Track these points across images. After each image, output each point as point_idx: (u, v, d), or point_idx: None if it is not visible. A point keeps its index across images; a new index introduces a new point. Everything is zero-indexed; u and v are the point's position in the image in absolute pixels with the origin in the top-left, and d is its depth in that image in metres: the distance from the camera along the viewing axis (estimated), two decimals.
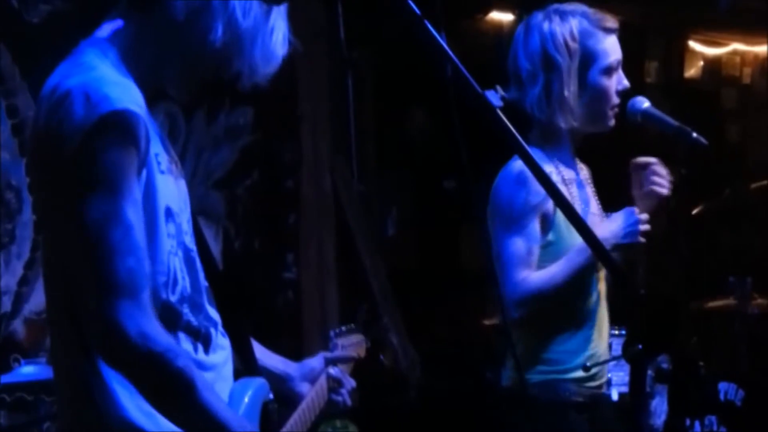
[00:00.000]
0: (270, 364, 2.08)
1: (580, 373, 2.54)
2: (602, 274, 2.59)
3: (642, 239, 2.53)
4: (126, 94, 1.66)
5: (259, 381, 1.93)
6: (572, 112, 2.57)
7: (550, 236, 2.55)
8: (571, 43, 2.56)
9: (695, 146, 2.52)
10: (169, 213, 1.73)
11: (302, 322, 4.42)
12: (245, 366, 1.95)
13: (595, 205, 2.69)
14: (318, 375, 2.16)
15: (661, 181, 2.56)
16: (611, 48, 2.60)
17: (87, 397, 1.68)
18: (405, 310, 4.47)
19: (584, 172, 2.73)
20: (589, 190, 2.70)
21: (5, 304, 3.56)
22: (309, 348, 4.29)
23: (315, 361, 2.18)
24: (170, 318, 1.71)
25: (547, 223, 2.54)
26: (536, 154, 1.64)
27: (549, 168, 2.54)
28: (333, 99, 4.41)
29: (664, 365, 3.21)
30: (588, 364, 2.53)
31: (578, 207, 2.57)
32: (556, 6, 2.61)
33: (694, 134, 2.53)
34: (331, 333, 2.28)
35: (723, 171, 5.23)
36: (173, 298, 1.73)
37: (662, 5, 5.55)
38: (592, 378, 2.58)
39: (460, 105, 1.59)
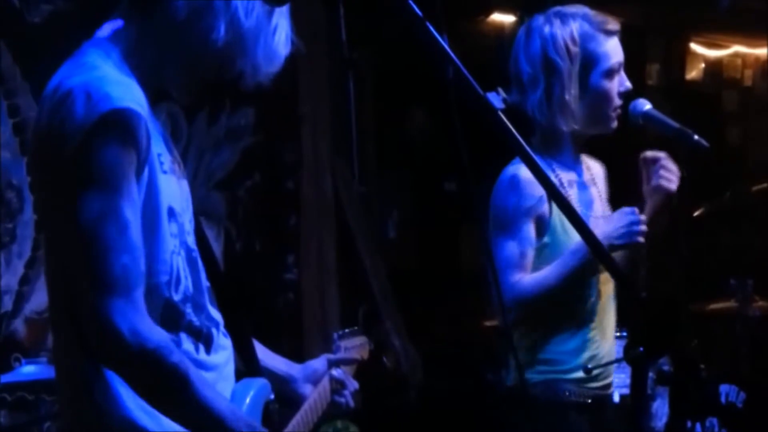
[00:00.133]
0: (273, 366, 2.09)
1: (580, 374, 2.54)
2: (607, 275, 2.58)
3: (640, 239, 2.52)
4: (128, 93, 1.66)
5: (261, 381, 1.93)
6: (573, 115, 2.57)
7: (546, 239, 2.56)
8: (571, 47, 2.56)
9: (696, 148, 2.52)
10: (171, 213, 1.73)
11: (303, 323, 4.42)
12: (247, 366, 1.96)
13: (599, 207, 2.68)
14: (321, 377, 2.16)
15: (670, 176, 2.55)
16: (612, 50, 2.60)
17: (88, 395, 1.69)
18: (405, 310, 4.48)
19: (592, 172, 2.72)
20: (595, 190, 2.69)
21: (6, 303, 3.56)
22: (309, 349, 4.29)
23: (318, 363, 2.19)
24: (173, 317, 1.72)
25: (542, 226, 2.55)
26: (536, 159, 1.63)
27: (547, 172, 2.53)
28: (333, 100, 4.41)
29: (665, 367, 3.21)
30: (590, 365, 2.53)
31: (578, 210, 2.57)
32: (557, 9, 2.61)
33: (695, 136, 2.53)
34: (335, 335, 2.28)
35: (724, 173, 5.23)
36: (176, 298, 1.73)
37: (663, 7, 5.55)
38: (594, 379, 2.58)
39: (461, 106, 1.59)
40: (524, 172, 2.52)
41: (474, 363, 4.60)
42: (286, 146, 4.40)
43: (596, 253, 1.66)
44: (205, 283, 1.82)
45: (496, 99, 1.54)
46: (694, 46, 6.34)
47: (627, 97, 2.63)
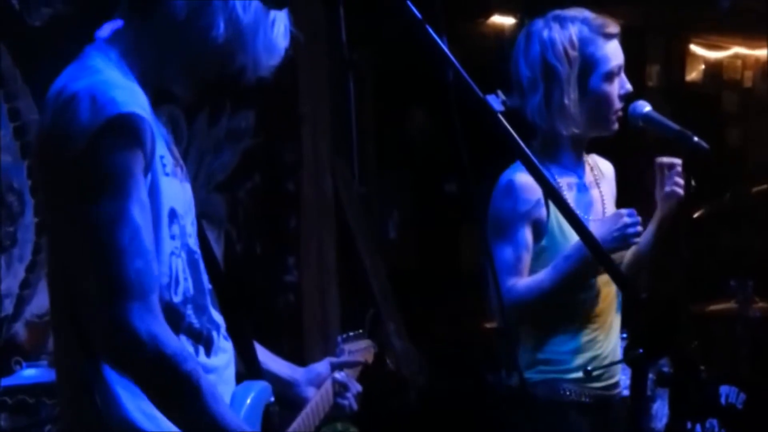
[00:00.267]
0: (276, 369, 2.09)
1: (581, 374, 2.54)
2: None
3: (635, 240, 2.53)
4: (132, 97, 1.67)
5: (262, 384, 1.93)
6: (573, 119, 2.57)
7: (544, 242, 2.56)
8: (570, 51, 2.56)
9: (696, 150, 2.53)
10: (173, 215, 1.74)
11: (303, 324, 4.41)
12: (248, 369, 1.96)
13: (599, 209, 2.68)
14: (324, 380, 2.17)
15: (682, 182, 2.57)
16: (612, 53, 2.60)
17: (88, 398, 1.69)
18: (405, 310, 4.48)
19: (596, 172, 2.72)
20: (596, 192, 2.69)
21: (7, 306, 3.56)
22: (310, 350, 4.29)
23: (321, 366, 2.19)
24: (172, 319, 1.72)
25: (540, 230, 2.56)
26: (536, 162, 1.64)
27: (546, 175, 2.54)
28: (333, 100, 4.41)
29: (665, 368, 3.21)
30: (592, 365, 2.54)
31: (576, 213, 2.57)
32: (556, 13, 2.61)
33: (695, 138, 2.53)
34: (339, 338, 2.29)
35: (724, 174, 5.22)
36: (176, 300, 1.73)
37: (663, 8, 5.55)
38: (596, 379, 2.58)
39: (462, 107, 1.59)
40: (520, 177, 2.53)
41: (474, 363, 4.60)
42: (286, 147, 4.40)
43: (596, 255, 1.66)
44: (207, 285, 1.83)
45: (496, 101, 1.54)
46: (694, 48, 6.34)
47: (627, 99, 2.63)
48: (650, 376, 3.20)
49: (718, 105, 6.53)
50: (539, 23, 2.61)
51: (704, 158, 2.53)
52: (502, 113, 1.56)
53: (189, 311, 1.76)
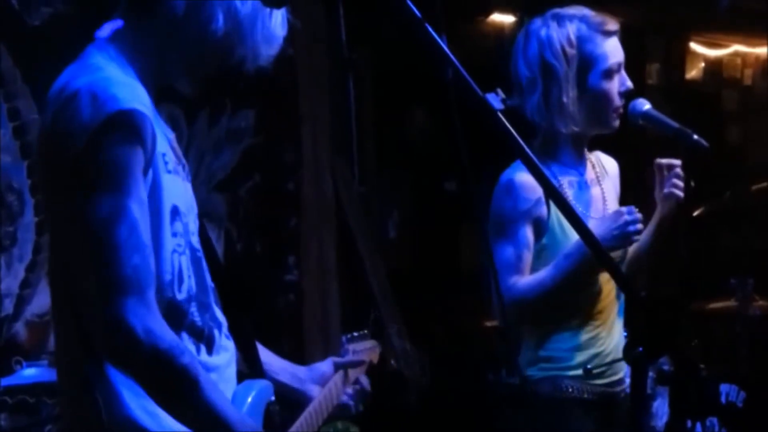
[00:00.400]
0: (279, 368, 2.10)
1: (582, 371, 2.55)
2: None
3: (635, 238, 2.53)
4: (133, 94, 1.67)
5: (263, 383, 1.94)
6: (572, 117, 2.58)
7: (545, 240, 2.57)
8: (568, 49, 2.57)
9: (696, 148, 2.53)
10: (176, 212, 1.74)
11: (303, 324, 4.41)
12: (250, 368, 1.96)
13: (599, 207, 2.68)
14: (328, 379, 2.18)
15: (681, 184, 2.56)
16: (611, 51, 2.60)
17: (90, 396, 1.69)
18: (405, 310, 4.48)
19: (598, 169, 2.72)
20: (597, 190, 2.69)
21: (7, 306, 3.56)
22: (310, 350, 4.29)
23: (325, 366, 2.20)
24: (175, 317, 1.72)
25: (540, 228, 2.56)
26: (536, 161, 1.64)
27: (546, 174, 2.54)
28: (333, 100, 4.41)
29: (665, 367, 3.21)
30: (594, 362, 2.55)
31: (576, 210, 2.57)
32: (555, 11, 2.62)
33: (695, 136, 2.53)
34: (343, 338, 2.29)
35: (724, 173, 5.23)
36: (179, 297, 1.74)
37: (663, 7, 5.55)
38: (599, 376, 2.59)
39: (462, 106, 1.59)
40: (520, 176, 2.53)
41: (474, 363, 4.60)
42: (286, 147, 4.40)
43: (595, 253, 1.66)
44: (210, 283, 1.84)
45: (496, 100, 1.54)
46: (694, 46, 6.34)
47: (627, 96, 2.63)
48: (650, 374, 3.20)
49: (717, 103, 6.53)
50: (538, 22, 2.62)
51: (704, 156, 2.53)
52: (502, 112, 1.56)
53: (193, 309, 1.76)
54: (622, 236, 2.51)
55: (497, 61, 2.75)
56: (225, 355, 1.84)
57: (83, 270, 1.65)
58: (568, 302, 2.57)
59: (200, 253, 1.82)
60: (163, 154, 1.73)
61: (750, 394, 3.88)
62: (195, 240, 1.81)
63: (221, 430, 1.67)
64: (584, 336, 2.59)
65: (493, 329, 4.41)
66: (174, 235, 1.73)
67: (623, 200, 2.69)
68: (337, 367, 2.22)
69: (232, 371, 1.87)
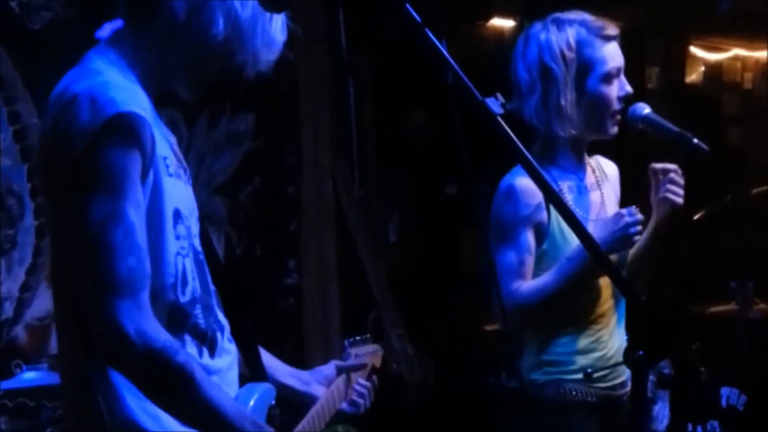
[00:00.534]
0: (283, 371, 2.11)
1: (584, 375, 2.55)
2: None
3: (637, 238, 2.53)
4: (132, 98, 1.68)
5: (265, 386, 1.94)
6: (570, 120, 2.58)
7: (545, 245, 2.57)
8: (567, 53, 2.57)
9: (696, 152, 2.53)
10: (178, 215, 1.75)
11: (303, 327, 4.42)
12: (252, 371, 1.97)
13: (600, 212, 2.68)
14: (331, 382, 2.19)
15: (677, 189, 2.56)
16: (610, 55, 2.61)
17: (92, 397, 1.70)
18: (405, 312, 4.47)
19: (598, 174, 2.72)
20: (596, 195, 2.70)
21: (7, 309, 3.56)
22: (310, 353, 4.29)
23: (327, 369, 2.22)
24: (178, 319, 1.73)
25: (541, 233, 2.56)
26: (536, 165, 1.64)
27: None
28: (333, 103, 4.41)
29: (666, 370, 3.21)
30: (597, 365, 2.55)
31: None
32: (555, 16, 2.62)
33: (695, 140, 2.54)
34: (345, 342, 2.30)
35: (724, 176, 5.23)
36: (183, 299, 1.74)
37: (663, 10, 5.56)
38: (602, 379, 2.59)
39: (462, 109, 1.59)
40: (520, 181, 2.53)
41: (474, 366, 4.60)
42: (286, 150, 4.40)
43: (595, 257, 1.66)
44: (212, 286, 1.84)
45: (495, 104, 1.54)
46: (694, 50, 6.35)
47: (627, 101, 2.64)
48: (651, 377, 3.21)
49: (717, 107, 6.54)
50: (538, 26, 2.62)
51: (704, 160, 2.53)
52: (502, 116, 1.56)
53: (197, 311, 1.77)
54: (624, 238, 2.51)
55: (497, 65, 2.75)
56: (227, 358, 1.84)
57: (80, 271, 1.65)
58: (570, 306, 2.58)
59: (202, 256, 1.83)
60: (165, 158, 1.74)
61: (751, 398, 3.88)
62: (197, 243, 1.81)
63: (221, 426, 1.67)
64: (586, 339, 2.59)
65: (494, 332, 4.41)
66: (177, 237, 1.74)
67: (624, 204, 2.68)
68: (340, 370, 2.23)
69: (234, 374, 1.87)
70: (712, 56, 6.42)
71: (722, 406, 3.87)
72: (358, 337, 2.34)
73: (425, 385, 4.40)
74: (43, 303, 3.56)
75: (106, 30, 1.78)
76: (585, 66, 2.58)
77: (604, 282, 2.60)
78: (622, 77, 2.63)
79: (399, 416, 4.38)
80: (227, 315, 1.88)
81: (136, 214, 1.64)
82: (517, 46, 2.65)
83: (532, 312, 2.54)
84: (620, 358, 2.58)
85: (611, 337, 2.63)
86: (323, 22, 4.26)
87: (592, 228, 2.59)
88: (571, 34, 2.58)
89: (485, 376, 4.23)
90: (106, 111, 1.63)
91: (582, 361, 2.57)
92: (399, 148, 5.33)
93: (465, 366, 4.73)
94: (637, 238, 2.53)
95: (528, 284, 2.54)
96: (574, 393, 2.58)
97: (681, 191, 2.57)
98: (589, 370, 2.53)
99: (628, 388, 2.64)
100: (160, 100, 1.80)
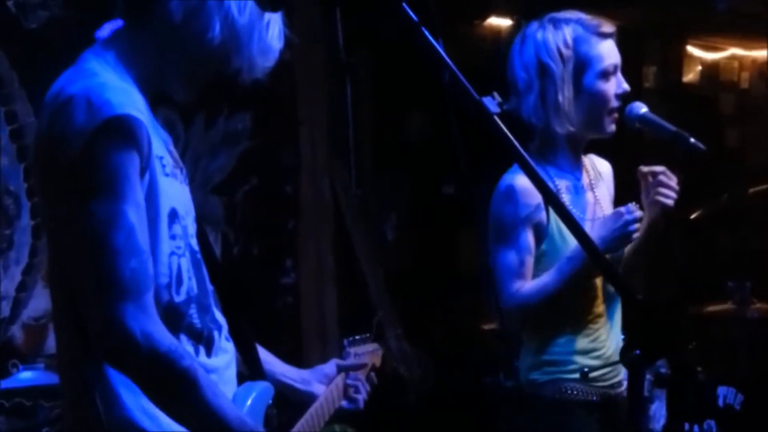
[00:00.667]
0: (285, 370, 2.12)
1: (586, 374, 2.55)
2: None
3: (635, 237, 2.54)
4: (128, 99, 1.68)
5: (263, 385, 1.95)
6: (568, 116, 2.58)
7: (544, 246, 2.57)
8: (564, 50, 2.58)
9: (692, 151, 2.53)
10: (174, 215, 1.75)
11: (301, 326, 4.42)
12: (250, 370, 1.97)
13: (591, 210, 2.69)
14: (331, 380, 2.19)
15: (667, 192, 2.56)
16: (607, 52, 2.61)
17: (89, 397, 1.70)
18: (403, 312, 4.48)
19: (593, 174, 2.73)
20: (591, 195, 2.70)
21: (4, 309, 3.56)
22: (308, 352, 4.29)
23: (328, 368, 2.23)
24: (173, 319, 1.73)
25: (540, 234, 2.57)
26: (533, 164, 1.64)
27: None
28: (331, 103, 4.41)
29: (663, 370, 3.21)
30: (596, 363, 2.55)
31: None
32: (551, 15, 2.64)
33: (692, 139, 2.54)
34: (345, 341, 2.31)
35: (721, 176, 5.23)
36: (178, 299, 1.74)
37: (660, 10, 5.56)
38: (602, 378, 2.60)
39: (459, 109, 1.59)
40: (520, 181, 2.53)
41: (472, 365, 4.60)
42: (283, 150, 4.40)
43: (593, 257, 1.66)
44: (210, 286, 1.84)
45: (492, 104, 1.54)
46: (691, 49, 6.35)
47: (624, 99, 2.64)
48: (648, 377, 3.21)
49: (715, 106, 6.54)
50: (534, 25, 2.63)
51: (700, 159, 2.53)
52: (498, 115, 1.56)
53: (192, 311, 1.77)
54: (623, 236, 2.52)
55: (494, 64, 2.75)
56: (224, 357, 1.84)
57: (81, 274, 1.65)
58: (568, 306, 2.58)
59: (199, 255, 1.83)
60: (161, 158, 1.74)
61: (748, 397, 3.88)
62: (194, 242, 1.81)
63: (221, 431, 1.67)
64: (585, 339, 2.60)
65: (491, 332, 4.41)
66: (173, 237, 1.74)
67: (621, 202, 2.68)
68: (340, 369, 2.23)
69: (231, 373, 1.87)
70: (710, 56, 6.42)
71: (719, 405, 3.87)
72: (357, 336, 2.34)
73: (424, 385, 4.40)
74: (39, 303, 3.55)
75: (106, 30, 1.79)
76: (582, 63, 2.59)
77: (600, 281, 2.61)
78: (619, 75, 2.63)
79: (398, 416, 4.38)
80: (225, 314, 1.88)
81: (136, 215, 1.65)
82: (513, 45, 2.66)
83: (532, 312, 2.54)
84: (617, 358, 2.59)
85: (608, 336, 2.63)
86: (320, 21, 4.26)
87: (589, 228, 2.60)
88: (567, 32, 2.59)
89: (483, 375, 4.24)
90: (103, 113, 1.63)
91: (581, 360, 2.58)
92: (397, 148, 5.33)
93: (463, 366, 4.73)
94: (635, 235, 2.53)
95: (529, 285, 2.54)
96: (574, 392, 2.58)
97: (671, 193, 2.56)
98: (586, 369, 2.53)
99: (623, 387, 2.65)
100: (156, 100, 1.80)
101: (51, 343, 3.50)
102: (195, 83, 1.83)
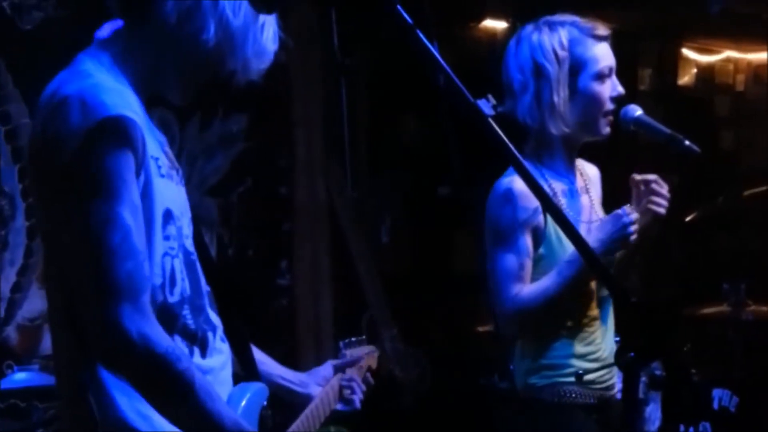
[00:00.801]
0: (282, 372, 2.13)
1: (587, 376, 2.56)
2: None
3: (634, 237, 2.54)
4: (122, 100, 1.68)
5: (258, 386, 1.95)
6: (563, 117, 2.58)
7: (542, 250, 2.57)
8: (559, 51, 2.58)
9: (688, 154, 2.53)
10: (169, 215, 1.75)
11: (296, 328, 4.42)
12: (245, 371, 1.97)
13: (587, 213, 2.69)
14: (328, 381, 2.20)
15: (659, 200, 2.56)
16: (602, 55, 2.62)
17: (84, 398, 1.70)
18: (398, 314, 4.48)
19: (585, 177, 2.73)
20: (586, 198, 2.71)
21: None
22: (303, 354, 4.29)
23: (324, 370, 2.24)
24: (167, 320, 1.73)
25: (538, 237, 2.57)
26: (528, 166, 1.64)
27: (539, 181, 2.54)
28: (326, 104, 4.41)
29: (658, 372, 3.22)
30: (594, 366, 2.56)
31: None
32: (546, 18, 2.64)
33: (687, 142, 2.54)
34: (341, 343, 2.32)
35: (716, 178, 5.24)
36: (171, 300, 1.74)
37: (655, 12, 5.57)
38: (598, 380, 2.61)
39: (454, 111, 1.59)
40: (518, 185, 2.53)
41: (468, 367, 4.60)
42: (278, 151, 4.40)
43: (588, 260, 1.66)
44: (205, 286, 1.84)
45: (486, 106, 1.54)
46: (686, 52, 6.36)
47: (619, 102, 2.64)
48: (643, 379, 3.21)
49: (710, 109, 6.55)
50: (530, 28, 2.64)
51: (696, 162, 2.53)
52: (494, 118, 1.56)
53: (185, 312, 1.77)
54: (622, 238, 2.52)
55: (490, 66, 2.75)
56: (219, 358, 1.84)
57: (77, 275, 1.65)
58: (566, 310, 2.58)
59: (194, 257, 1.83)
60: (156, 159, 1.74)
61: (743, 399, 3.88)
62: (189, 243, 1.81)
63: None
64: (582, 342, 2.60)
65: (487, 334, 4.41)
66: (167, 238, 1.74)
67: (616, 205, 2.68)
68: (336, 369, 2.24)
69: (227, 374, 1.87)
70: (705, 58, 6.43)
71: (714, 407, 3.87)
72: (353, 338, 2.35)
73: (420, 386, 4.40)
74: (34, 304, 3.55)
75: (105, 29, 1.79)
76: (577, 64, 2.59)
77: (595, 284, 2.61)
78: (614, 78, 2.64)
79: (394, 417, 4.38)
80: (220, 314, 1.88)
81: (132, 217, 1.65)
82: (509, 47, 2.66)
83: (532, 316, 2.54)
84: (612, 360, 2.60)
85: (603, 339, 2.64)
86: (316, 22, 4.26)
87: (585, 230, 2.60)
88: (563, 34, 2.60)
89: (478, 377, 4.24)
90: (97, 114, 1.63)
91: (579, 363, 2.58)
92: (392, 149, 5.33)
93: (459, 367, 4.74)
94: (633, 238, 2.53)
95: (528, 289, 2.54)
96: (573, 396, 2.59)
97: (663, 201, 2.57)
98: (580, 371, 2.53)
99: (616, 389, 2.66)
100: (151, 102, 1.80)
101: (46, 345, 3.50)
102: (190, 85, 1.83)
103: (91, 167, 1.63)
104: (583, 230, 2.59)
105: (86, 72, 1.71)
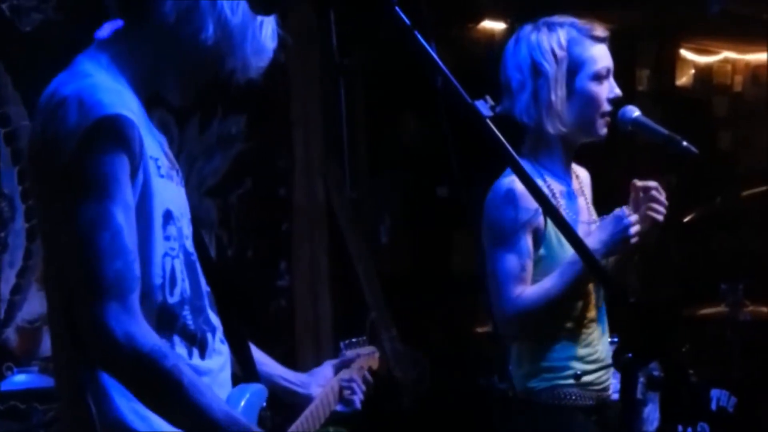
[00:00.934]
0: (283, 373, 2.13)
1: (586, 378, 2.56)
2: None
3: (635, 239, 2.54)
4: (119, 100, 1.68)
5: (257, 387, 1.95)
6: (560, 117, 2.58)
7: (542, 251, 2.57)
8: (558, 51, 2.59)
9: (685, 155, 2.54)
10: (169, 216, 1.75)
11: (295, 329, 4.42)
12: (244, 371, 1.97)
13: (585, 215, 2.70)
14: (329, 381, 2.20)
15: (658, 207, 2.57)
16: (599, 56, 2.62)
17: (83, 399, 1.70)
18: (397, 315, 4.48)
19: (579, 180, 2.74)
20: (582, 200, 2.71)
21: None
22: (302, 355, 4.29)
23: (325, 370, 2.24)
24: (167, 320, 1.73)
25: (538, 238, 2.57)
26: (526, 167, 1.65)
27: (537, 182, 2.54)
28: (325, 105, 4.42)
29: (656, 372, 3.22)
30: (592, 368, 2.56)
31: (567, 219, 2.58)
32: (545, 19, 2.64)
33: (685, 143, 2.54)
34: (342, 344, 2.31)
35: (714, 179, 5.25)
36: (171, 300, 1.75)
37: (653, 13, 5.57)
38: (596, 381, 2.61)
39: (453, 113, 1.60)
40: (520, 185, 2.52)
41: (467, 368, 4.60)
42: (277, 152, 4.40)
43: (587, 261, 1.67)
44: (205, 287, 1.85)
45: (484, 107, 1.55)
46: (684, 52, 6.36)
47: (617, 104, 2.64)
48: (641, 379, 3.21)
49: (708, 109, 6.55)
50: (528, 28, 2.64)
51: (694, 163, 2.53)
52: (491, 118, 1.56)
53: (185, 312, 1.77)
54: (624, 240, 2.52)
55: (488, 67, 2.76)
56: (218, 359, 1.84)
57: (69, 274, 1.66)
58: (566, 312, 2.59)
59: (194, 257, 1.83)
60: (156, 159, 1.74)
61: (741, 400, 3.89)
62: (189, 244, 1.82)
63: (210, 430, 1.67)
64: (581, 343, 2.60)
65: (486, 334, 4.41)
66: (167, 239, 1.74)
67: (614, 204, 2.69)
68: (336, 368, 2.24)
69: (226, 375, 1.88)
70: (702, 59, 6.43)
71: (712, 408, 3.88)
72: (353, 339, 2.35)
73: (420, 387, 4.40)
74: (33, 305, 3.55)
75: (106, 29, 1.79)
76: (575, 64, 2.59)
77: (592, 286, 2.61)
78: (612, 80, 2.64)
79: (394, 417, 4.38)
80: (220, 315, 1.88)
81: (124, 216, 1.65)
82: (507, 47, 2.66)
83: (534, 317, 2.53)
84: (609, 361, 2.60)
85: (600, 340, 2.64)
86: (314, 23, 4.27)
87: (584, 231, 2.61)
88: (561, 34, 2.60)
89: (477, 377, 4.24)
90: (93, 113, 1.64)
91: (578, 365, 2.58)
92: (391, 149, 5.33)
93: (458, 367, 4.74)
94: (634, 240, 2.53)
95: (530, 290, 2.54)
96: (572, 397, 2.59)
97: (662, 208, 2.57)
98: (578, 372, 2.54)
99: (612, 390, 2.66)
100: (151, 102, 1.80)
101: (45, 346, 3.50)
102: (190, 85, 1.83)
103: (86, 166, 1.63)
104: (581, 231, 2.60)
105: (85, 72, 1.72)
